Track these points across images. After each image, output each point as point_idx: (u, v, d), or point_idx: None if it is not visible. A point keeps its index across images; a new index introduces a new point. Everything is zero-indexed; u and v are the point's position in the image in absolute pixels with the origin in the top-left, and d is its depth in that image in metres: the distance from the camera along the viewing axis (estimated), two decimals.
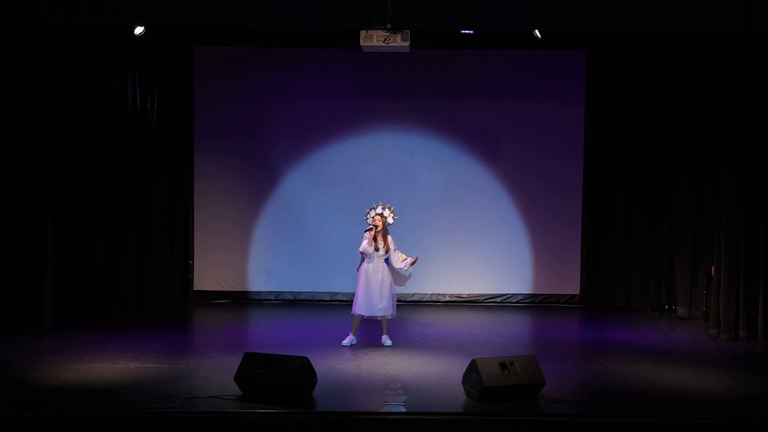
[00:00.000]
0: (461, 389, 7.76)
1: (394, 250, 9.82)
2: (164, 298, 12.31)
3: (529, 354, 8.18)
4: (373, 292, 9.70)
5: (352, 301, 9.96)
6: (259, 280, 12.66)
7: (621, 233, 12.38)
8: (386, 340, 9.84)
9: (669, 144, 11.93)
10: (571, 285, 12.63)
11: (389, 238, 9.83)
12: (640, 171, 12.19)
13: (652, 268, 12.16)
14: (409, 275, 10.19)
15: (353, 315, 9.82)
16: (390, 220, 9.90)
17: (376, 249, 9.73)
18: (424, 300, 12.66)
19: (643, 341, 10.30)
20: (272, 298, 12.67)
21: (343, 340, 9.81)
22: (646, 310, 12.15)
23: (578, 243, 12.56)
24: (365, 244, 9.73)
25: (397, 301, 12.26)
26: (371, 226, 9.78)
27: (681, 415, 7.31)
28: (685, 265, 11.68)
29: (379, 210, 9.88)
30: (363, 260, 9.86)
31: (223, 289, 12.64)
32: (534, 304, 12.61)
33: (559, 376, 8.34)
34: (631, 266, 12.33)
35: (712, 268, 10.90)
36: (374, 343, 9.81)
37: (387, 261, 9.84)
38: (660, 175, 12.07)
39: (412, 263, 9.87)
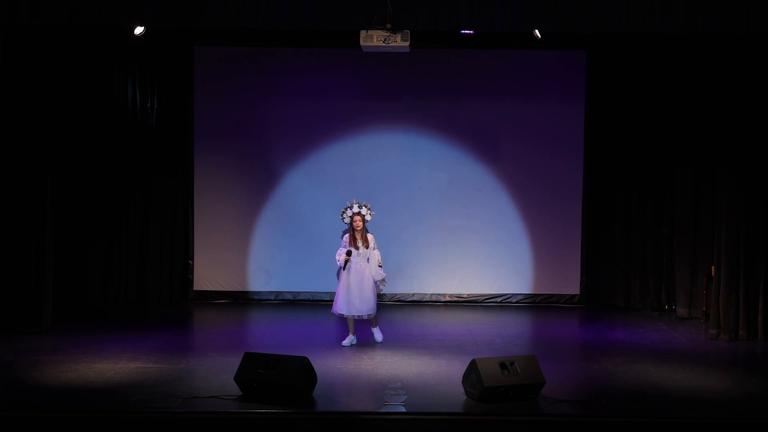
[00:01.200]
0: (461, 389, 7.76)
1: (373, 248, 9.74)
2: (164, 298, 12.31)
3: (529, 354, 8.18)
4: (352, 291, 9.65)
5: None
6: (259, 280, 12.66)
7: (621, 233, 12.37)
8: (377, 333, 9.85)
9: (669, 144, 11.93)
10: (571, 285, 12.62)
11: (369, 236, 9.76)
12: (640, 171, 12.18)
13: (652, 268, 12.15)
14: (380, 289, 10.03)
15: (333, 314, 9.80)
16: (368, 218, 9.78)
17: (356, 248, 9.67)
18: (424, 300, 12.65)
19: (643, 341, 10.29)
20: (272, 298, 12.66)
21: (343, 340, 9.80)
22: (646, 310, 12.14)
23: (578, 243, 12.55)
24: (341, 252, 9.65)
25: (398, 301, 12.34)
26: (347, 232, 9.68)
27: (681, 415, 7.31)
28: (685, 265, 11.68)
29: (355, 209, 9.71)
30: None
31: (223, 289, 12.64)
32: (534, 304, 12.60)
33: (559, 376, 8.34)
34: (631, 266, 12.32)
35: (712, 268, 10.90)
36: (374, 343, 9.81)
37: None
38: (660, 175, 12.06)
39: (381, 280, 9.73)
